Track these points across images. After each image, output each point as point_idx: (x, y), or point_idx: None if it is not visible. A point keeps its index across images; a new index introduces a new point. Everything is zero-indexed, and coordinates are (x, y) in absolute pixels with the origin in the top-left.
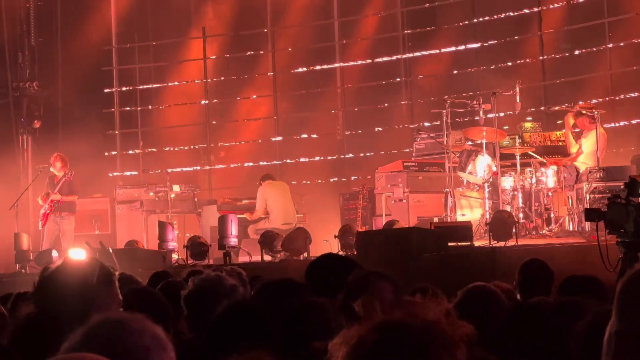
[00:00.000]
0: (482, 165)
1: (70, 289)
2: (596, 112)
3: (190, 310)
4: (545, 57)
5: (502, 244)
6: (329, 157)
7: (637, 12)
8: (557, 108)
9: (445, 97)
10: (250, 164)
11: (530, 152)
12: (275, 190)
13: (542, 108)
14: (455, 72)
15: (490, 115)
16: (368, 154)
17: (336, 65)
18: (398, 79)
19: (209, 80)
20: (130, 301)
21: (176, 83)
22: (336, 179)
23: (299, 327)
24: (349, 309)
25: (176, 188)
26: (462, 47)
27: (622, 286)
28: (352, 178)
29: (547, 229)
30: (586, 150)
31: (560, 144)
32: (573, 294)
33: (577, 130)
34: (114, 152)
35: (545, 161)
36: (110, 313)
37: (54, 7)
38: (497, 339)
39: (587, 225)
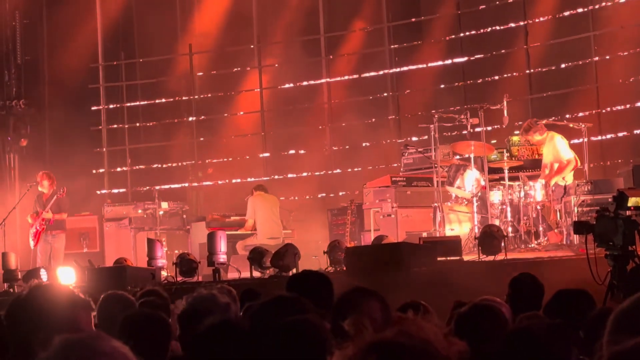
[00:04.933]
0: (471, 179)
1: (44, 314)
2: (583, 125)
3: (183, 330)
4: (532, 70)
5: (491, 258)
6: (317, 173)
7: (622, 25)
8: (544, 121)
9: (433, 111)
10: (239, 180)
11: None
12: (264, 203)
13: None
14: (442, 86)
15: (478, 130)
16: (356, 169)
17: (323, 80)
18: (385, 94)
19: (196, 97)
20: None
21: (163, 100)
22: (324, 194)
23: (297, 344)
24: (338, 328)
25: (164, 205)
26: (449, 62)
27: (614, 315)
28: (340, 193)
29: (535, 242)
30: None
31: None
32: (563, 308)
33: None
34: (101, 170)
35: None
36: (73, 335)
37: (40, 25)
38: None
39: (576, 239)
